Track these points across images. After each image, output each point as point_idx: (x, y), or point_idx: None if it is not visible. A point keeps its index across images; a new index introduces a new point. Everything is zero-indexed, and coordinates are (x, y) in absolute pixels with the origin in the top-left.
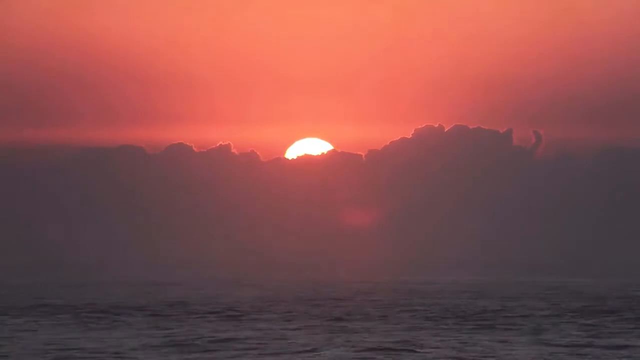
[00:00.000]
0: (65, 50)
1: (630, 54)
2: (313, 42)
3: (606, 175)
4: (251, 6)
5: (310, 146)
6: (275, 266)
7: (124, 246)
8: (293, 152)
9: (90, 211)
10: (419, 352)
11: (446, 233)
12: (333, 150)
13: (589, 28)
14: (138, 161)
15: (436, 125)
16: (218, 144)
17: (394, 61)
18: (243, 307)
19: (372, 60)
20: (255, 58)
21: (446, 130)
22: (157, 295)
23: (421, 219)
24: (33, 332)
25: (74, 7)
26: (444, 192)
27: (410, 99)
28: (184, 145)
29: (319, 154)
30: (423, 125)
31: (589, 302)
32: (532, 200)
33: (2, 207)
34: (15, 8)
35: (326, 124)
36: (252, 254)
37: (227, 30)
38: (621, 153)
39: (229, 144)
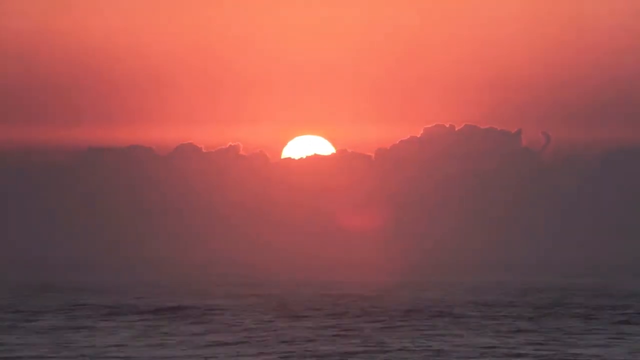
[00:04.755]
0: (73, 50)
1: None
2: (322, 43)
3: (614, 176)
4: (264, 6)
5: (319, 146)
6: (283, 267)
7: (131, 246)
8: (301, 151)
9: (99, 211)
10: None
11: (452, 233)
12: (342, 150)
13: (598, 32)
14: (147, 161)
15: (447, 125)
16: (227, 145)
17: (404, 61)
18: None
19: (382, 60)
20: (263, 58)
21: (457, 129)
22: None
23: (429, 219)
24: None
25: (80, 8)
26: (452, 191)
27: (421, 98)
28: (193, 146)
29: (329, 154)
30: (433, 125)
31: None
32: (539, 201)
33: (8, 208)
34: (17, 8)
35: (334, 123)
36: (259, 255)
37: (236, 30)
38: (629, 155)
39: (238, 144)
